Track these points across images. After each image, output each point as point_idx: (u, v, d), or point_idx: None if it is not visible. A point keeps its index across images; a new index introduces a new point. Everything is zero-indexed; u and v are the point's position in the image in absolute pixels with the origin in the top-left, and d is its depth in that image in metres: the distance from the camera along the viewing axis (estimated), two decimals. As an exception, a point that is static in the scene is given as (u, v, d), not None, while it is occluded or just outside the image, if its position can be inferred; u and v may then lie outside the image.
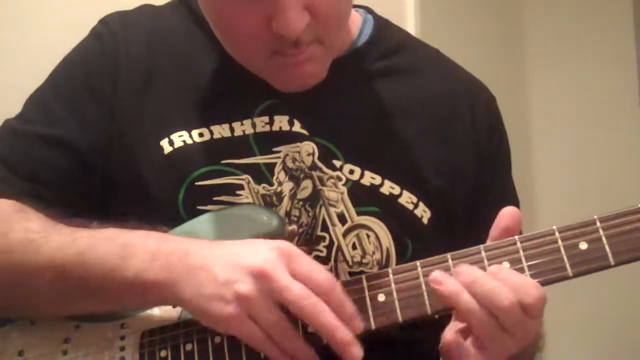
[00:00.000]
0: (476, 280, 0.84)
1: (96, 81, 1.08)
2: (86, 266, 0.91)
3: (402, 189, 1.06)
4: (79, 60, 1.12)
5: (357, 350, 0.83)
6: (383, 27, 1.17)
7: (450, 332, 0.88)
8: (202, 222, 0.99)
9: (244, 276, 0.83)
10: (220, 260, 0.85)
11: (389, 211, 1.04)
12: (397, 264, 1.02)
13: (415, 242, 1.04)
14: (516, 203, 1.16)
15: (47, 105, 1.09)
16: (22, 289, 0.95)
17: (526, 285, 0.84)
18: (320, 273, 0.85)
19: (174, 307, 0.94)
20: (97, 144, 1.06)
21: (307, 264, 0.86)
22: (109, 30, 1.11)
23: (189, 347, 0.92)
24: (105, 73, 1.08)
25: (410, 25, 2.27)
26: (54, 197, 1.04)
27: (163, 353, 0.93)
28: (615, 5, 2.77)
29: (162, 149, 1.03)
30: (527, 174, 2.74)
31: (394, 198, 1.05)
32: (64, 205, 1.03)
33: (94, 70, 1.08)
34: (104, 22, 1.14)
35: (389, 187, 1.05)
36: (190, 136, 1.04)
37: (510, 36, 2.81)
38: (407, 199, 1.06)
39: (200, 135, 1.04)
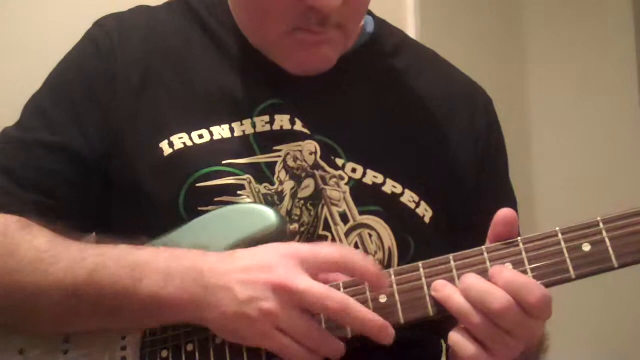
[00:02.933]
0: (470, 284, 0.86)
1: (94, 85, 1.07)
2: (98, 286, 0.90)
3: (404, 188, 1.06)
4: (75, 65, 1.11)
5: (391, 332, 0.86)
6: (383, 28, 1.18)
7: (456, 334, 0.88)
8: (204, 222, 0.99)
9: (264, 292, 0.84)
10: (237, 278, 0.86)
11: (391, 210, 1.04)
12: (399, 263, 1.02)
13: (418, 242, 1.04)
14: (514, 203, 1.17)
15: (45, 111, 1.08)
16: (27, 307, 0.94)
17: (529, 286, 0.84)
18: (333, 254, 0.87)
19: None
20: (97, 148, 1.05)
21: (317, 255, 0.88)
22: (105, 32, 1.10)
23: (190, 347, 0.92)
24: (102, 76, 1.07)
25: (410, 25, 2.27)
26: (59, 205, 1.03)
27: (164, 353, 0.92)
28: (615, 5, 2.77)
29: (162, 150, 1.03)
30: (527, 174, 2.74)
31: (396, 197, 1.05)
32: (69, 214, 1.03)
33: (91, 74, 1.08)
34: (98, 24, 1.13)
35: (391, 186, 1.05)
36: (190, 138, 1.03)
37: (510, 36, 2.81)
38: (409, 198, 1.06)
39: (200, 136, 1.03)
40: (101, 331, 0.94)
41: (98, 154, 1.05)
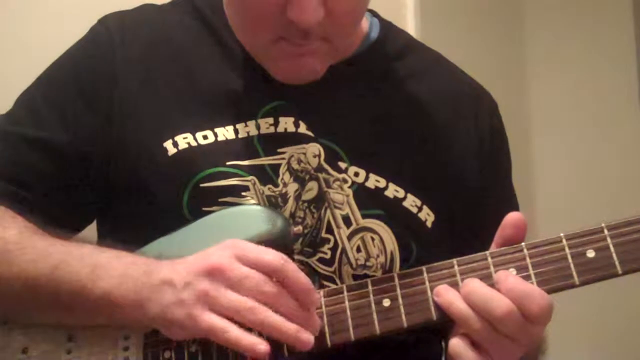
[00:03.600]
0: (472, 289, 0.86)
1: (87, 85, 1.07)
2: (57, 282, 0.93)
3: (406, 192, 1.06)
4: (72, 62, 1.11)
5: (307, 337, 0.86)
6: (389, 31, 1.17)
7: (457, 341, 0.88)
8: (208, 223, 0.99)
9: (200, 276, 0.87)
10: (177, 270, 0.88)
11: (393, 214, 1.04)
12: (401, 267, 1.02)
13: (419, 246, 1.04)
14: (516, 208, 1.17)
15: (35, 105, 1.08)
16: None
17: (532, 294, 0.84)
18: (269, 254, 0.88)
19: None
20: (86, 148, 1.05)
21: (255, 250, 0.88)
22: (107, 31, 1.10)
23: (193, 348, 0.92)
24: (99, 76, 1.07)
25: (410, 26, 2.26)
26: (36, 200, 1.04)
27: (167, 354, 0.93)
28: (615, 5, 2.76)
29: (166, 150, 1.02)
30: (527, 174, 2.74)
31: (398, 201, 1.05)
32: (47, 209, 1.04)
33: (86, 74, 1.08)
34: (102, 22, 1.13)
35: (393, 190, 1.05)
36: (195, 138, 1.03)
37: (511, 37, 2.81)
38: (411, 202, 1.06)
39: (205, 137, 1.03)
40: (105, 330, 0.94)
41: (87, 153, 1.05)
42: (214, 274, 0.86)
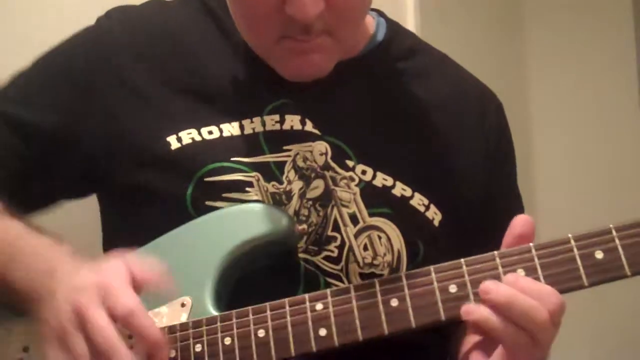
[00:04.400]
0: (512, 300, 0.84)
1: (84, 74, 1.07)
2: None
3: (413, 190, 1.06)
4: (72, 51, 1.11)
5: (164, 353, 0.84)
6: (396, 30, 1.17)
7: (473, 350, 0.88)
8: (212, 220, 0.99)
9: (84, 290, 0.85)
10: (61, 290, 0.87)
11: (400, 213, 1.04)
12: (407, 266, 1.02)
13: (427, 244, 1.04)
14: (522, 208, 1.17)
15: (27, 87, 1.10)
16: None
17: (549, 294, 0.84)
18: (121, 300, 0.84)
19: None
20: (71, 135, 1.06)
21: (116, 295, 0.84)
22: (112, 25, 1.10)
23: (198, 347, 0.92)
24: (99, 68, 1.07)
25: (410, 25, 2.26)
26: (9, 179, 1.06)
27: (172, 353, 0.92)
28: (615, 5, 2.77)
29: (169, 144, 1.02)
30: (527, 174, 2.74)
31: (405, 200, 1.05)
32: (19, 189, 1.07)
33: (84, 64, 1.08)
34: (108, 15, 1.13)
35: (400, 189, 1.05)
36: (200, 133, 1.03)
37: (511, 36, 2.81)
38: (418, 201, 1.06)
39: (210, 132, 1.03)
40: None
41: (71, 141, 1.06)
42: (100, 288, 0.84)
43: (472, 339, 0.90)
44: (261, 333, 0.89)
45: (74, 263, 0.91)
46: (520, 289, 0.84)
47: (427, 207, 1.06)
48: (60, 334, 0.84)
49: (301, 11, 0.93)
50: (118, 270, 0.87)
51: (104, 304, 0.83)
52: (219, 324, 0.92)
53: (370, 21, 1.16)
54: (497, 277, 0.87)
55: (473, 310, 0.85)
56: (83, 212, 1.17)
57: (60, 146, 1.06)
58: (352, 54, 1.10)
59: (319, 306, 0.90)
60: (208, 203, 1.00)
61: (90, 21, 1.13)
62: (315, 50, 1.00)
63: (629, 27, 2.74)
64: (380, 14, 1.19)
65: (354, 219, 1.02)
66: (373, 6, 1.12)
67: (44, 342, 0.87)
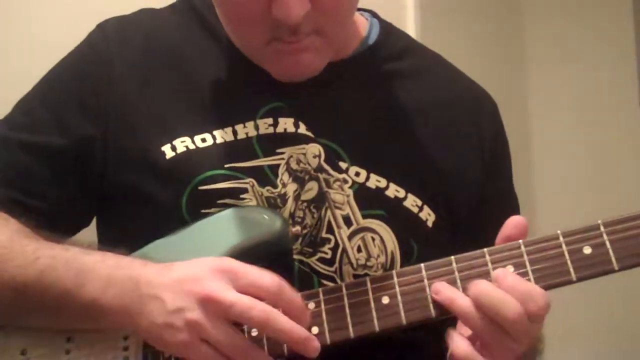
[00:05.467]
0: (482, 292, 0.86)
1: (85, 91, 1.07)
2: (44, 287, 0.93)
3: (407, 192, 1.06)
4: (70, 69, 1.11)
5: (316, 344, 0.86)
6: (389, 31, 1.17)
7: (460, 340, 0.88)
8: (206, 225, 0.99)
9: (191, 303, 0.86)
10: (169, 289, 0.88)
11: (394, 214, 1.04)
12: (402, 267, 1.01)
13: (421, 246, 1.05)
14: (517, 209, 1.17)
15: (33, 111, 1.09)
16: None
17: (533, 294, 0.85)
18: (264, 278, 0.87)
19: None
20: (83, 153, 1.06)
21: (249, 274, 0.87)
22: (104, 36, 1.11)
23: None
24: (97, 82, 1.07)
25: (410, 25, 2.26)
26: (32, 203, 1.04)
27: (167, 354, 0.92)
28: (615, 5, 2.77)
29: (164, 154, 1.03)
30: (527, 174, 2.74)
31: (399, 201, 1.05)
32: (42, 212, 1.04)
33: (84, 80, 1.08)
34: (100, 27, 1.13)
35: (394, 190, 1.05)
36: (193, 141, 1.03)
37: (510, 37, 2.81)
38: (412, 202, 1.06)
39: (203, 140, 1.04)
40: (103, 331, 0.94)
41: (85, 157, 1.05)
42: (206, 303, 0.85)
43: (461, 331, 0.91)
44: (255, 332, 0.89)
45: (148, 265, 0.92)
46: (507, 285, 0.85)
47: (421, 208, 1.06)
48: (194, 329, 0.85)
49: (287, 14, 0.94)
50: (220, 260, 0.90)
51: (234, 285, 0.86)
52: None
53: (363, 22, 1.16)
54: (487, 274, 0.88)
55: (441, 290, 0.88)
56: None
57: (75, 164, 1.06)
58: (344, 55, 1.11)
59: (311, 305, 0.91)
60: (203, 211, 1.00)
61: (90, 21, 1.14)
62: (305, 50, 1.00)
63: (629, 27, 2.74)
64: (374, 14, 1.19)
65: (347, 220, 1.02)
66: (373, 6, 1.13)
67: (165, 349, 0.89)
